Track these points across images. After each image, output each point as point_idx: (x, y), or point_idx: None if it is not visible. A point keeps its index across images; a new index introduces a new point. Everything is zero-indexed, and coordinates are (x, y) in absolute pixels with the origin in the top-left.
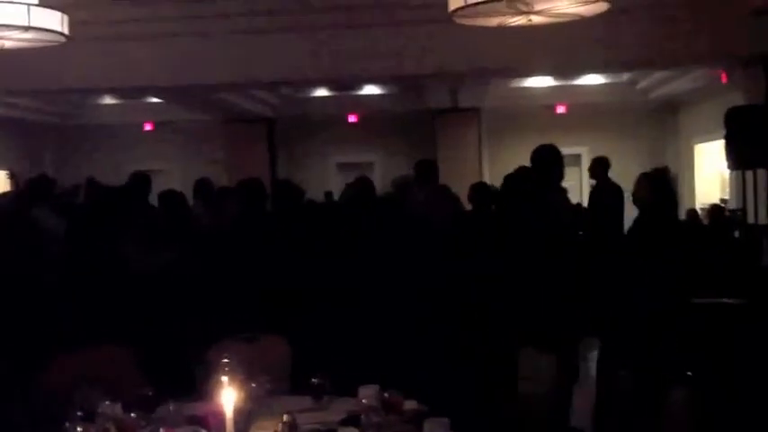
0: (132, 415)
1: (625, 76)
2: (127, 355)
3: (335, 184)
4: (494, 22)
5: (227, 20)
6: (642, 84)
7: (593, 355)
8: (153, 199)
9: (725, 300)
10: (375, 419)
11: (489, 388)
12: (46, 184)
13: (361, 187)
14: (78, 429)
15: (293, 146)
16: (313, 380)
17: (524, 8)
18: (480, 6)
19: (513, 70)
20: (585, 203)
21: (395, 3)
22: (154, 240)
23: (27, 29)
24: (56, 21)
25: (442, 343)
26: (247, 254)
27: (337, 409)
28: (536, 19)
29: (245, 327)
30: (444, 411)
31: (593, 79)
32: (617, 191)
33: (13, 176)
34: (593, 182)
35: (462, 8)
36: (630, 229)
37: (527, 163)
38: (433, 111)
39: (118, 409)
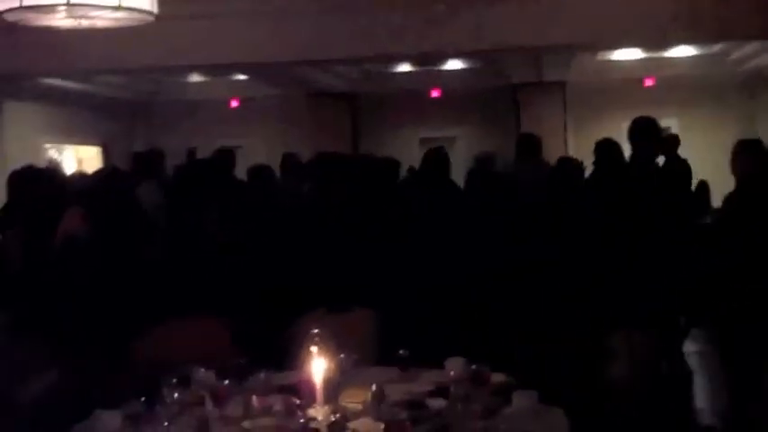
0: (226, 382)
1: (716, 48)
2: (220, 325)
3: (418, 160)
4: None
5: None
6: (734, 55)
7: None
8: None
9: None
10: (463, 391)
11: (580, 365)
12: (156, 159)
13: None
14: (174, 395)
15: (376, 121)
16: (400, 351)
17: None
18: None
19: (602, 43)
20: None
21: None
22: (238, 212)
23: (118, 8)
24: (145, 0)
25: (531, 318)
26: (332, 226)
27: (425, 381)
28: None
29: (330, 299)
30: (532, 385)
31: (682, 51)
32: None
33: (105, 151)
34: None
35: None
36: (728, 202)
37: (615, 137)
38: (516, 85)
39: (211, 376)
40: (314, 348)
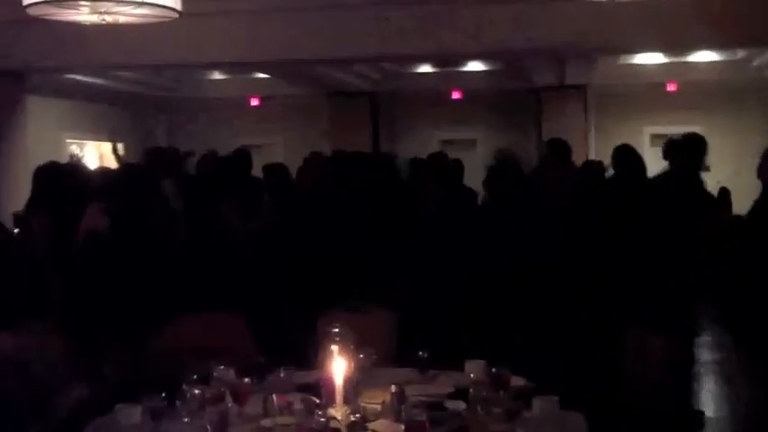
0: (246, 380)
1: (740, 54)
2: (239, 322)
3: None
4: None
5: None
6: (757, 61)
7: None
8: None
9: None
10: (483, 394)
11: (597, 368)
12: (175, 158)
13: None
14: (195, 392)
15: (396, 121)
16: (420, 353)
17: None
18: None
19: (624, 47)
20: None
21: None
22: (254, 208)
23: (140, 4)
24: None
25: (551, 321)
26: (350, 225)
27: (444, 383)
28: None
29: (350, 298)
30: (551, 389)
31: (706, 56)
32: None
33: (115, 150)
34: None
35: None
36: (756, 208)
37: (634, 143)
38: (537, 88)
39: (231, 374)
40: (334, 348)
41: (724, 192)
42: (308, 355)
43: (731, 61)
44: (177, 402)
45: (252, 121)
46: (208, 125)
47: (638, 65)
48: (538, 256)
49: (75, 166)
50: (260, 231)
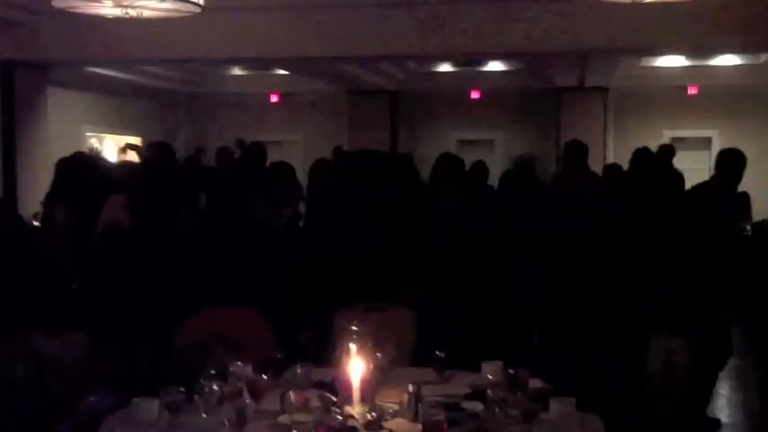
0: (264, 376)
1: (762, 58)
2: (257, 317)
3: None
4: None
5: None
6: None
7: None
8: None
9: None
10: (500, 395)
11: (616, 370)
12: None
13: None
14: (213, 387)
15: (415, 120)
16: (437, 353)
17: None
18: None
19: (649, 49)
20: None
21: None
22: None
23: None
24: None
25: (568, 323)
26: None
27: (461, 383)
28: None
29: (367, 297)
30: (569, 391)
31: (727, 60)
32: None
33: (133, 147)
34: None
35: None
36: None
37: (653, 145)
38: (557, 89)
39: (249, 370)
40: (352, 346)
41: (744, 196)
42: (323, 353)
43: (753, 65)
44: (195, 397)
45: (272, 117)
46: (228, 121)
47: (659, 67)
48: (556, 257)
49: (98, 158)
50: (285, 227)
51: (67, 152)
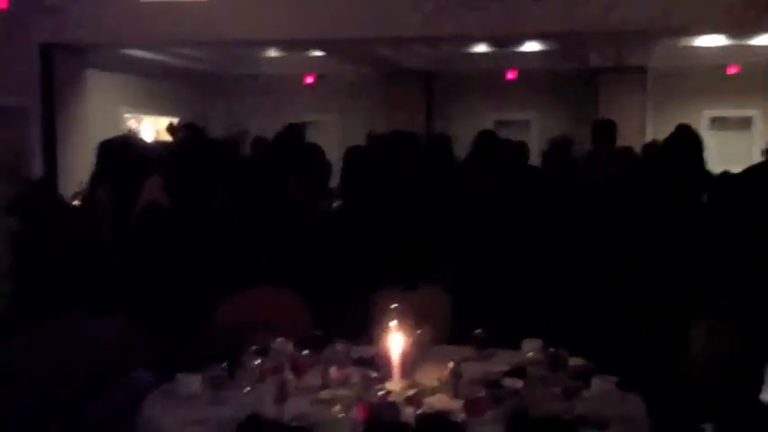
0: (305, 352)
1: None
2: (295, 298)
3: None
4: None
5: None
6: None
7: None
8: None
9: None
10: (540, 373)
11: (658, 352)
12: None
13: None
14: (255, 362)
15: (450, 101)
16: (476, 331)
17: None
18: None
19: (687, 29)
20: None
21: None
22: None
23: None
24: None
25: (608, 303)
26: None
27: (501, 361)
28: None
29: (404, 278)
30: (610, 370)
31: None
32: None
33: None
34: None
35: None
36: None
37: (693, 125)
38: (594, 69)
39: (290, 346)
40: (392, 323)
41: None
42: (362, 332)
43: None
44: (238, 372)
45: (306, 98)
46: (264, 101)
47: (698, 47)
48: (588, 238)
49: (137, 140)
50: (327, 210)
51: (107, 134)
